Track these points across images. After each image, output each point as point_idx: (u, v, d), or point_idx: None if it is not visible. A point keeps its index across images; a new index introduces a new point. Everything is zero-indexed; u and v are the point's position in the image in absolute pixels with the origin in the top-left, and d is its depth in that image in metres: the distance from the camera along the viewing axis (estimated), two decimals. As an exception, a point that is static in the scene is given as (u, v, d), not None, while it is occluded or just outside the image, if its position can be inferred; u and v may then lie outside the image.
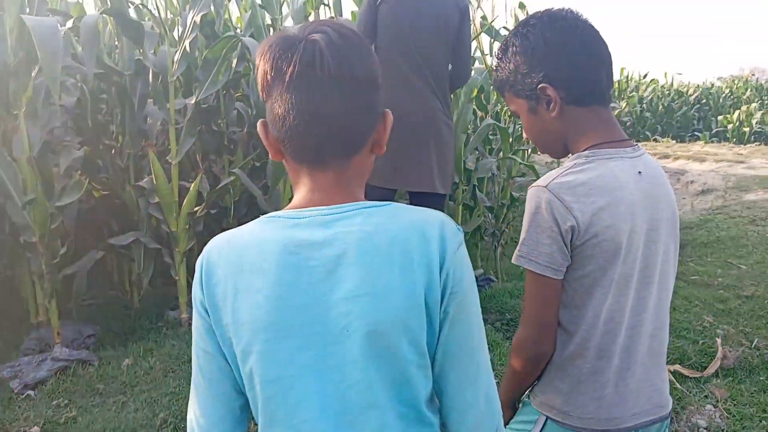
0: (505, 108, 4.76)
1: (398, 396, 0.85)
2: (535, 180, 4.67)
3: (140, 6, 3.49)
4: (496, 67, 1.29)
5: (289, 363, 0.83)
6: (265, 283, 0.83)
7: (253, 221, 0.89)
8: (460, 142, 3.92)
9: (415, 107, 2.61)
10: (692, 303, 3.61)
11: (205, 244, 0.91)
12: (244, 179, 3.22)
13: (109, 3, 3.19)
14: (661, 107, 15.04)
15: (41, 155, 2.83)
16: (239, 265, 0.85)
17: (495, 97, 4.56)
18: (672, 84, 16.97)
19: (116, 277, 4.01)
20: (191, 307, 3.62)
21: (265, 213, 0.90)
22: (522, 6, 4.96)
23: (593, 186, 1.14)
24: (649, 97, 15.21)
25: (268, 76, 0.85)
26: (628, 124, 14.24)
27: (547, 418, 1.23)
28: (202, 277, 0.87)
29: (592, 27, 1.22)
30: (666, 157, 8.50)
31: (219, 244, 0.88)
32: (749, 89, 17.28)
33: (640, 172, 1.19)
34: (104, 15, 2.92)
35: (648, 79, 16.98)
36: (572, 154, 1.22)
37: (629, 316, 1.19)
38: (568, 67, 1.19)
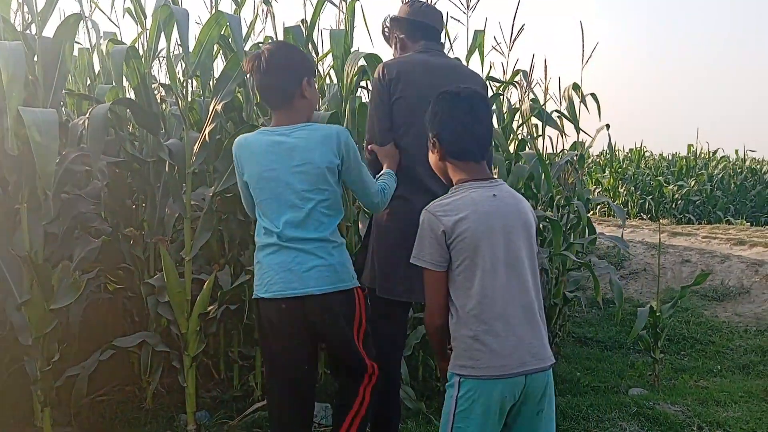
0: (559, 197, 4.39)
1: (320, 194, 2.08)
2: (589, 277, 4.14)
3: (164, 89, 3.37)
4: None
5: (266, 189, 2.08)
6: (260, 158, 2.07)
7: (255, 131, 2.18)
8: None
9: None
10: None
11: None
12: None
13: (131, 92, 3.08)
14: (733, 186, 14.23)
15: (49, 251, 2.65)
16: (249, 148, 2.10)
17: (548, 185, 4.21)
18: (744, 161, 16.14)
19: (136, 367, 3.76)
20: (199, 417, 3.24)
21: None
22: (576, 87, 4.65)
23: (455, 205, 1.74)
24: (720, 175, 14.44)
25: (251, 70, 2.12)
26: (697, 202, 13.47)
27: (460, 376, 1.72)
28: (238, 150, 2.14)
29: (478, 105, 1.82)
30: (741, 243, 7.82)
31: (241, 139, 2.15)
32: (830, 167, 16.24)
33: (494, 195, 1.76)
34: (116, 106, 2.76)
35: (718, 155, 16.23)
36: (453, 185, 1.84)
37: (501, 292, 1.70)
38: (448, 134, 1.81)
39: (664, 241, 8.28)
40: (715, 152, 16.15)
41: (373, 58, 3.09)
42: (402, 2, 2.73)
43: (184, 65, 3.05)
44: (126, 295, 3.33)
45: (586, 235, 4.74)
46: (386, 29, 2.75)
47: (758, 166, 15.69)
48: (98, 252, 3.10)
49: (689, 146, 15.63)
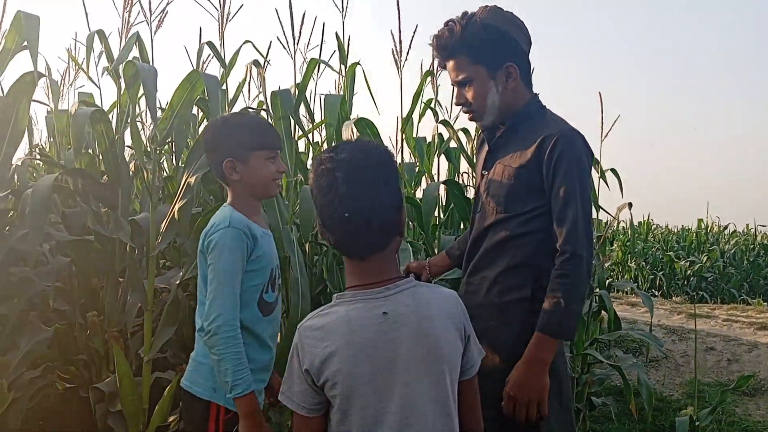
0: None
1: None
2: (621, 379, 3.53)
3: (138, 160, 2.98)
4: None
5: None
6: None
7: None
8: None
9: None
10: None
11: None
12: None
13: (99, 158, 2.69)
14: (746, 262, 13.76)
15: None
16: None
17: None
18: (755, 236, 15.71)
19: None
20: None
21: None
22: (595, 162, 4.26)
23: (328, 330, 1.25)
24: (732, 251, 13.98)
25: None
26: (709, 279, 12.96)
27: None
28: None
29: (343, 179, 1.23)
30: (765, 328, 7.30)
31: None
32: (843, 244, 15.79)
33: (384, 313, 1.25)
34: (65, 177, 2.36)
35: (729, 231, 15.80)
36: None
37: None
38: (329, 225, 1.28)
39: (682, 325, 7.77)
40: (726, 227, 15.73)
41: (363, 123, 2.72)
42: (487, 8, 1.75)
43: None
44: (78, 395, 2.83)
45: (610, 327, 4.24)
46: (474, 39, 1.70)
47: (770, 242, 15.25)
48: (49, 342, 2.66)
49: (699, 220, 15.23)
